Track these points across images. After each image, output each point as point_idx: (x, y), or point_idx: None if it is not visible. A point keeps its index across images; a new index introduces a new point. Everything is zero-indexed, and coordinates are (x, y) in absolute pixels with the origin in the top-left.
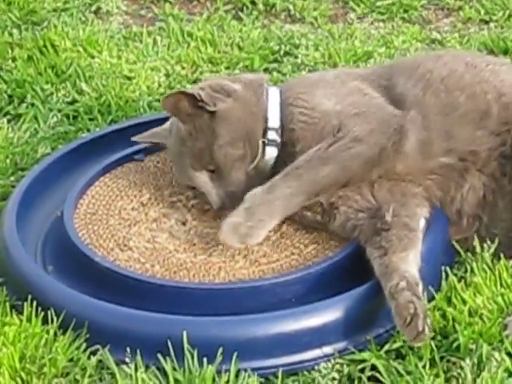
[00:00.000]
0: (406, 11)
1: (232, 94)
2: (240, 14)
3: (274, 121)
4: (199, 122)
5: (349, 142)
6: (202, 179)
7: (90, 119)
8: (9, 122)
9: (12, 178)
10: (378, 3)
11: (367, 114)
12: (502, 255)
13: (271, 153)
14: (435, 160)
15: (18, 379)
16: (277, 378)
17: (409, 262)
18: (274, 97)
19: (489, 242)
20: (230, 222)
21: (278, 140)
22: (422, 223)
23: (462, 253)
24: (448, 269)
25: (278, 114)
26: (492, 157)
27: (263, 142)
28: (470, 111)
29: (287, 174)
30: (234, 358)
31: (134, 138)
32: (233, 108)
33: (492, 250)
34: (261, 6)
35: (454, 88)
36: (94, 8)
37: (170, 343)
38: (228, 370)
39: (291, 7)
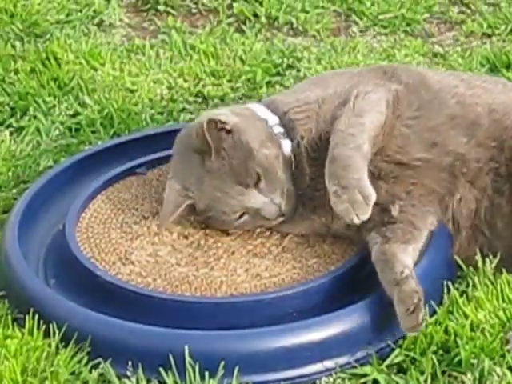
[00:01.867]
0: (408, 25)
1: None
2: (242, 26)
3: (272, 119)
4: (225, 143)
5: (365, 94)
6: (253, 196)
7: (93, 132)
8: (11, 134)
9: (14, 191)
10: (381, 16)
11: (363, 82)
12: (503, 270)
13: (286, 145)
14: (421, 150)
15: None
16: None
17: (407, 254)
18: (259, 107)
19: (491, 257)
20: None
21: (283, 130)
22: (429, 225)
23: (464, 267)
24: (450, 283)
25: (272, 115)
26: (483, 171)
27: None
28: (458, 115)
29: (338, 141)
30: (236, 371)
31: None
32: (240, 120)
33: (494, 265)
34: (263, 19)
35: (446, 91)
36: (96, 20)
37: (171, 357)
38: None
39: (294, 20)
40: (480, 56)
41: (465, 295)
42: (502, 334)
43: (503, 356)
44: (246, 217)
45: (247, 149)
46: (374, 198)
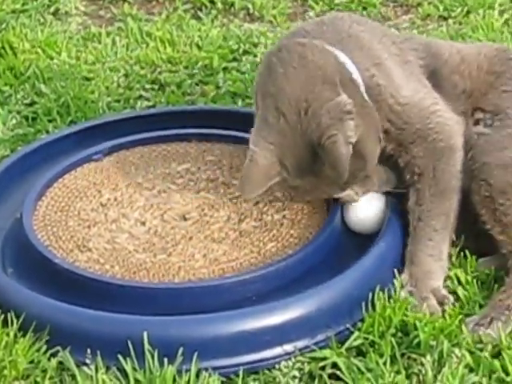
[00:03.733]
0: (364, 8)
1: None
2: (199, 13)
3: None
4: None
5: (449, 155)
6: (344, 192)
7: (49, 121)
8: None
9: None
10: (337, 1)
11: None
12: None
13: None
14: None
15: None
16: (238, 376)
17: None
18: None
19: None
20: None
21: None
22: None
23: None
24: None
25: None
26: None
27: None
28: None
29: (419, 239)
30: (195, 357)
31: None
32: (363, 125)
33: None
34: (220, 5)
35: None
36: (52, 9)
37: (130, 344)
38: (189, 370)
39: (250, 6)
40: (436, 38)
41: None
42: (461, 316)
43: (462, 338)
44: None
45: (363, 161)
46: (451, 300)
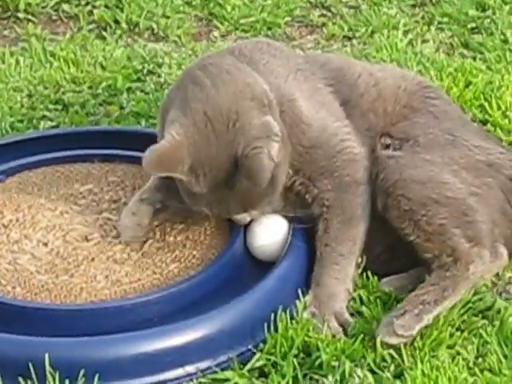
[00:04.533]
0: (269, 28)
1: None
2: (103, 33)
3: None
4: None
5: (355, 187)
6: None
7: None
8: None
9: None
10: (242, 21)
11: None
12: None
13: None
14: None
15: None
16: None
17: None
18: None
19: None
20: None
21: None
22: None
23: None
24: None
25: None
26: None
27: None
28: None
29: (325, 263)
30: (96, 379)
31: None
32: (280, 147)
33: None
34: (124, 25)
35: None
36: None
37: (31, 365)
38: None
39: (154, 26)
40: None
41: None
42: (362, 335)
43: (364, 358)
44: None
45: (272, 188)
46: (351, 323)
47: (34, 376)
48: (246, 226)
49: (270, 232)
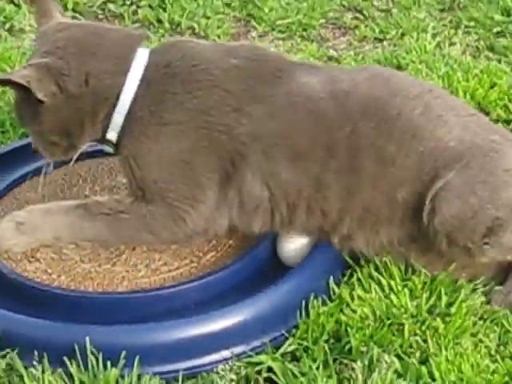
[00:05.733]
0: (304, 30)
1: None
2: (147, 31)
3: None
4: None
5: None
6: None
7: (2, 132)
8: None
9: None
10: (279, 22)
11: None
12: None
13: None
14: None
15: None
16: (177, 381)
17: None
18: None
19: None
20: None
21: None
22: None
23: (350, 261)
24: (339, 277)
25: None
26: None
27: None
28: None
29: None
30: (136, 362)
31: None
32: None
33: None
34: (166, 24)
35: None
36: (7, 26)
37: (76, 348)
38: (131, 374)
39: (195, 25)
40: (372, 59)
41: (350, 292)
42: (390, 321)
43: (391, 344)
44: None
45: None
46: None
47: (79, 358)
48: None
49: (297, 241)
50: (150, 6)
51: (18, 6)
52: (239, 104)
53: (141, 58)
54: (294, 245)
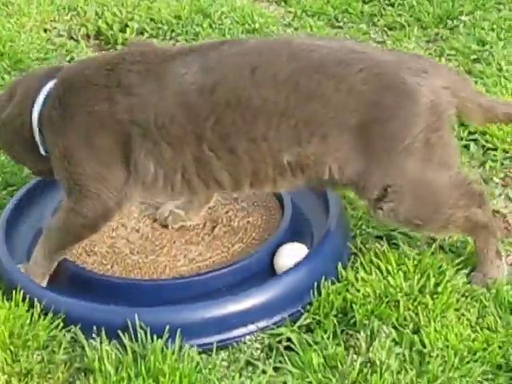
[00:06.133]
0: None
1: None
2: None
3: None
4: None
5: None
6: None
7: None
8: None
9: (4, 193)
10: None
11: None
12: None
13: None
14: None
15: (8, 351)
16: (211, 350)
17: None
18: None
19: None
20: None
21: None
22: None
23: (354, 249)
24: (346, 261)
25: None
26: None
27: None
28: None
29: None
30: (178, 336)
31: None
32: None
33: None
34: None
35: None
36: (68, 58)
37: (129, 325)
38: (173, 345)
39: None
40: None
41: (355, 274)
42: (388, 298)
43: (389, 317)
44: None
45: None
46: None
47: (132, 334)
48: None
49: (292, 257)
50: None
51: (77, 41)
52: (112, 96)
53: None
54: (291, 263)
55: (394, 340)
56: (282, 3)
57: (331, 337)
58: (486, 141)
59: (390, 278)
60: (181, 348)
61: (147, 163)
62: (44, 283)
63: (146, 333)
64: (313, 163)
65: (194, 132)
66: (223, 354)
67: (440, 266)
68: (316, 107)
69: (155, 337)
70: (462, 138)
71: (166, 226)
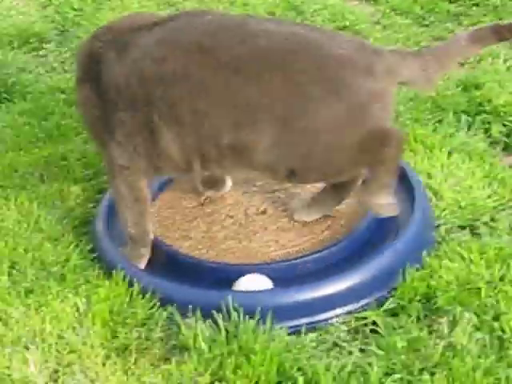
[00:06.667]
0: None
1: None
2: None
3: None
4: None
5: None
6: None
7: None
8: None
9: (105, 178)
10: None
11: None
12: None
13: None
14: None
15: (107, 327)
16: (300, 332)
17: None
18: None
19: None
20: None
21: None
22: None
23: (439, 238)
24: (430, 249)
25: None
26: None
27: None
28: None
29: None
30: (269, 317)
31: None
32: None
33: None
34: None
35: None
36: None
37: (223, 306)
38: (265, 327)
39: None
40: (456, 79)
41: (438, 262)
42: (469, 286)
43: (470, 304)
44: None
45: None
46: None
47: (225, 313)
48: None
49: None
50: None
51: None
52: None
53: None
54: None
55: (474, 326)
56: (372, 2)
57: (415, 321)
58: None
59: (472, 267)
60: (271, 329)
61: (114, 126)
62: (142, 265)
63: (238, 314)
64: (246, 149)
65: (146, 99)
66: (311, 336)
67: None
68: (252, 93)
69: (247, 318)
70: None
71: (261, 213)
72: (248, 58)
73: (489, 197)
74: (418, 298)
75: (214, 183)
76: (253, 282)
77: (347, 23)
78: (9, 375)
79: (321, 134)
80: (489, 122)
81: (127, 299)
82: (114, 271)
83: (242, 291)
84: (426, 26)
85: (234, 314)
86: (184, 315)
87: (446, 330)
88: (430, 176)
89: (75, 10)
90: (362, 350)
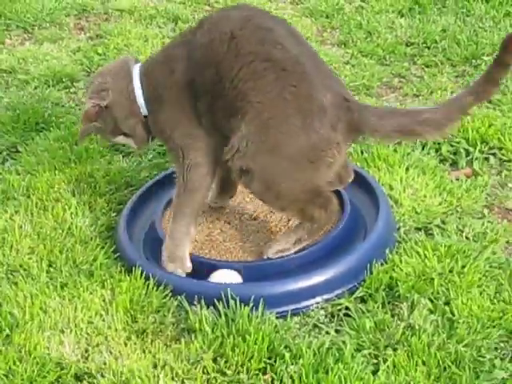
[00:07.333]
0: (367, 89)
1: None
2: None
3: (139, 98)
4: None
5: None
6: (121, 138)
7: None
8: (123, 157)
9: (125, 191)
10: (350, 84)
11: None
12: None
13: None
14: None
15: (128, 314)
16: (286, 316)
17: None
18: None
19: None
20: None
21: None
22: None
23: (399, 238)
24: (392, 248)
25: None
26: None
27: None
28: None
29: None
30: (261, 305)
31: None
32: (113, 98)
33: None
34: None
35: None
36: None
37: (222, 296)
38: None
39: None
40: None
41: (399, 258)
42: (425, 277)
43: (426, 292)
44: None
45: (115, 120)
46: (189, 269)
47: (224, 301)
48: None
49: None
50: None
51: None
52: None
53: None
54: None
55: (429, 309)
56: (343, 46)
57: (380, 306)
58: (502, 154)
59: (426, 261)
60: (263, 314)
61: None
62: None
63: (235, 302)
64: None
65: (194, 88)
66: (296, 319)
67: (465, 252)
68: (243, 90)
69: (243, 305)
70: (482, 152)
71: (253, 218)
72: (232, 58)
73: (440, 204)
74: (382, 287)
75: (223, 195)
76: (225, 277)
77: None
78: (48, 354)
79: (284, 154)
80: (439, 143)
81: (144, 291)
82: (133, 268)
83: (238, 284)
84: (387, 65)
85: (232, 303)
86: (191, 303)
87: (405, 314)
88: (391, 187)
89: (99, 54)
90: (337, 331)
